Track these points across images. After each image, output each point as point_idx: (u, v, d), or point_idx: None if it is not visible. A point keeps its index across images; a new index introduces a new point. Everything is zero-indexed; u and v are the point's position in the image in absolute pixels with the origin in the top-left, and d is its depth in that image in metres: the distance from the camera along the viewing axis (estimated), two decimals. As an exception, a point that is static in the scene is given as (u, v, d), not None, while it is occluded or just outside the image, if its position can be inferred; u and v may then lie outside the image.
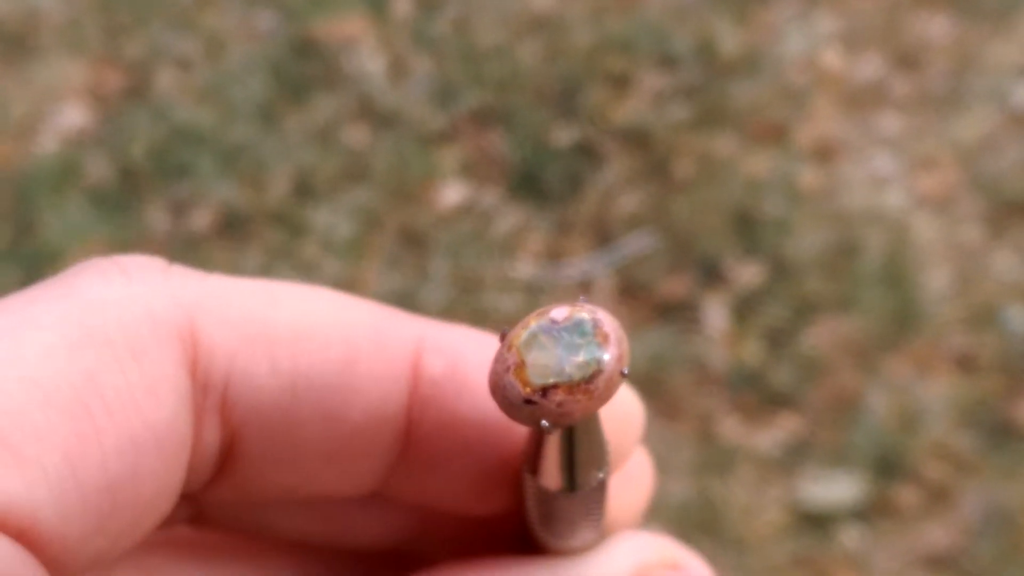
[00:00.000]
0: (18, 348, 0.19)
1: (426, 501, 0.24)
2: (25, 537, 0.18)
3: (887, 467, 1.08)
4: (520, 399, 0.19)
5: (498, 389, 0.19)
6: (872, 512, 1.06)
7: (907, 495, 1.06)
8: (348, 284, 1.18)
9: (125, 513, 0.20)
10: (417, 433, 0.22)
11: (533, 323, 0.19)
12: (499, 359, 0.19)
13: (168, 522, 0.24)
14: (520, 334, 0.19)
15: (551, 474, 0.21)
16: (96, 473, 0.19)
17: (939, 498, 1.06)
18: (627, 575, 0.24)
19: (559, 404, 0.19)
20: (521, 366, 0.19)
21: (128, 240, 1.23)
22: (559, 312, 0.19)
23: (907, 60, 1.36)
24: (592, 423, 0.21)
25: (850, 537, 1.05)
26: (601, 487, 0.22)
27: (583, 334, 0.19)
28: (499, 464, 0.23)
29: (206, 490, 0.22)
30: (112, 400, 0.19)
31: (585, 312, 0.19)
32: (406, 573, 0.25)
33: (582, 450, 0.21)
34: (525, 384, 0.19)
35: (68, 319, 0.20)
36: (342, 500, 0.24)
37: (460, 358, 0.22)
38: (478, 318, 1.17)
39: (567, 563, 0.23)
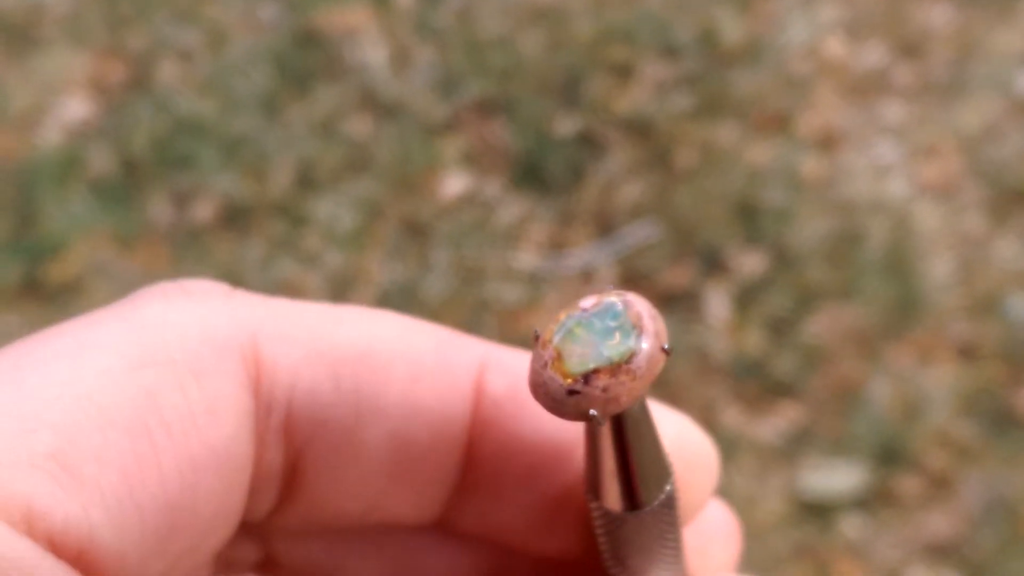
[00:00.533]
0: (78, 369, 0.19)
1: (491, 532, 0.23)
2: (83, 560, 0.18)
3: (889, 456, 1.08)
4: (563, 392, 0.18)
5: (539, 387, 0.19)
6: (874, 501, 1.06)
7: (909, 484, 1.06)
8: (350, 275, 1.19)
9: (184, 535, 0.20)
10: (479, 454, 0.22)
11: (563, 316, 0.19)
12: (536, 358, 0.19)
13: (237, 568, 0.24)
14: (552, 329, 0.19)
15: (612, 492, 0.21)
16: (154, 494, 0.19)
17: (941, 487, 1.06)
18: None
19: (604, 389, 0.18)
20: (558, 359, 0.19)
21: (130, 232, 1.23)
22: (587, 301, 0.19)
23: (910, 48, 1.35)
24: (644, 428, 0.20)
25: (851, 526, 1.05)
26: (668, 505, 0.21)
27: (615, 316, 0.19)
28: (563, 494, 0.23)
29: (272, 518, 0.22)
30: (172, 420, 0.19)
31: (613, 296, 0.19)
32: None
33: (639, 460, 0.20)
34: (566, 376, 0.18)
35: (128, 340, 0.20)
36: (408, 533, 0.24)
37: (521, 379, 0.22)
38: (480, 309, 1.17)
39: None
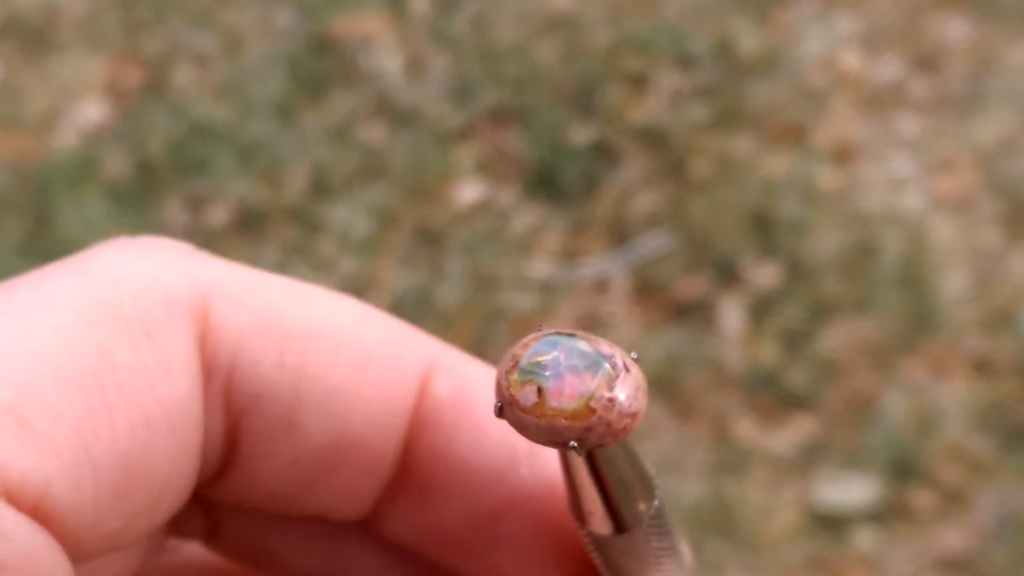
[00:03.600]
0: (32, 324, 0.19)
1: (420, 542, 0.23)
2: (38, 512, 0.18)
3: (902, 469, 1.07)
4: (563, 436, 0.18)
5: (526, 428, 0.18)
6: (887, 514, 1.06)
7: (922, 498, 1.06)
8: (364, 281, 1.19)
9: (139, 493, 0.20)
10: (414, 455, 0.22)
11: (512, 367, 0.18)
12: (515, 397, 0.18)
13: (185, 533, 0.24)
14: (514, 379, 0.18)
15: (597, 517, 0.20)
16: (108, 450, 0.19)
17: (954, 501, 1.06)
18: None
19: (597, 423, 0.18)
20: (542, 395, 0.18)
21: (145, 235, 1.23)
22: (522, 344, 0.18)
23: (926, 61, 1.35)
24: (622, 450, 0.20)
25: (865, 539, 1.04)
26: (657, 518, 0.21)
27: (554, 343, 0.18)
28: (497, 512, 0.22)
29: (213, 488, 0.22)
30: (125, 377, 0.19)
31: (546, 333, 0.18)
32: None
33: (621, 484, 0.20)
34: (551, 414, 0.18)
35: (82, 295, 0.19)
36: (338, 531, 0.24)
37: (468, 386, 0.22)
38: (493, 317, 1.17)
39: None
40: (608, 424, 0.18)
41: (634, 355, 0.18)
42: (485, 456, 0.22)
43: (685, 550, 0.22)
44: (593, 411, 0.18)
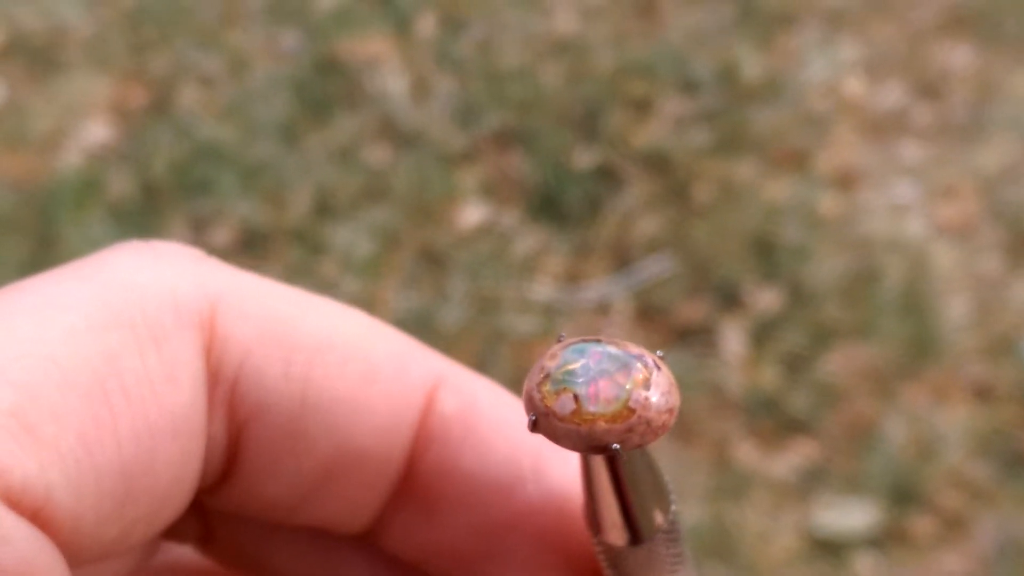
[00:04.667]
0: (40, 327, 0.19)
1: (420, 557, 0.23)
2: (39, 517, 0.18)
3: (903, 495, 1.07)
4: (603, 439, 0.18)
5: (563, 436, 0.18)
6: (887, 540, 1.05)
7: (922, 524, 1.06)
8: (366, 303, 1.19)
9: (141, 500, 0.20)
10: (418, 470, 0.22)
11: (545, 378, 0.18)
12: (550, 407, 0.18)
13: (179, 537, 0.23)
14: (547, 390, 0.18)
15: (613, 527, 0.20)
16: (111, 457, 0.19)
17: (954, 527, 1.06)
18: None
19: (628, 428, 0.18)
20: (579, 403, 0.18)
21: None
22: (551, 354, 0.18)
23: (929, 89, 1.36)
24: (641, 461, 0.20)
25: (864, 565, 1.04)
26: (672, 530, 0.21)
27: (583, 350, 0.18)
28: (501, 528, 0.22)
29: (212, 495, 0.22)
30: (130, 385, 0.19)
31: (572, 342, 0.18)
32: None
33: (639, 495, 0.20)
34: (587, 418, 0.18)
35: (92, 300, 0.19)
36: (337, 542, 0.24)
37: (475, 402, 0.22)
38: (495, 339, 1.17)
39: None
40: (648, 422, 0.18)
41: (660, 353, 0.18)
42: (490, 472, 0.22)
43: (693, 560, 0.22)
44: (632, 411, 0.18)
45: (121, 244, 0.21)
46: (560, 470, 0.22)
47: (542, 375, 0.18)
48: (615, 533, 0.20)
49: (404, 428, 0.22)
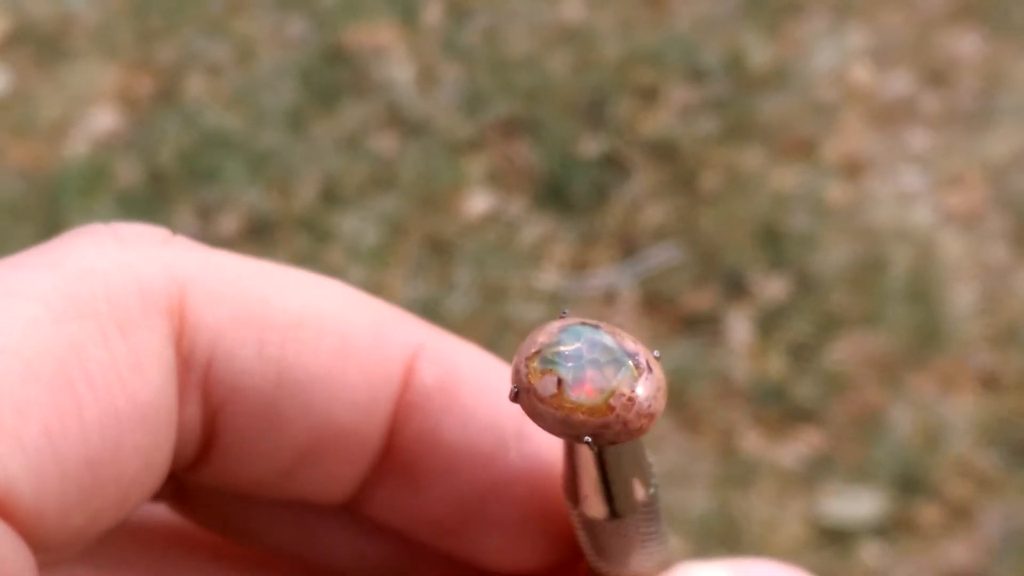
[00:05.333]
0: (3, 319, 0.18)
1: (404, 524, 0.23)
2: (1, 509, 0.18)
3: (909, 484, 1.07)
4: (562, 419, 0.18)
5: (542, 418, 0.18)
6: (893, 529, 1.05)
7: (929, 512, 1.06)
8: (373, 291, 1.18)
9: (107, 490, 0.19)
10: (400, 442, 0.22)
11: (542, 338, 0.18)
12: (532, 385, 0.18)
13: (153, 497, 0.23)
14: (538, 353, 0.18)
15: (593, 501, 0.20)
16: (76, 448, 0.18)
17: (961, 516, 1.06)
18: None
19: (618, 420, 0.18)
20: (560, 389, 0.18)
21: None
22: (544, 332, 0.18)
23: (937, 76, 1.35)
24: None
25: (871, 554, 1.04)
26: (651, 505, 0.21)
27: (576, 336, 0.18)
28: (485, 494, 0.22)
29: (188, 473, 0.22)
30: (96, 374, 0.19)
31: (568, 323, 0.18)
32: None
33: (621, 471, 0.20)
34: (570, 407, 0.18)
35: (55, 289, 0.19)
36: (319, 508, 0.23)
37: (455, 371, 0.22)
38: (502, 327, 1.18)
39: None
40: (625, 423, 0.18)
41: (657, 353, 0.18)
42: (473, 441, 0.21)
43: (669, 534, 0.22)
44: (612, 408, 0.18)
45: (82, 228, 0.21)
46: (543, 436, 0.21)
47: (533, 350, 0.18)
48: (593, 507, 0.20)
49: (382, 402, 0.21)
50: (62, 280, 0.19)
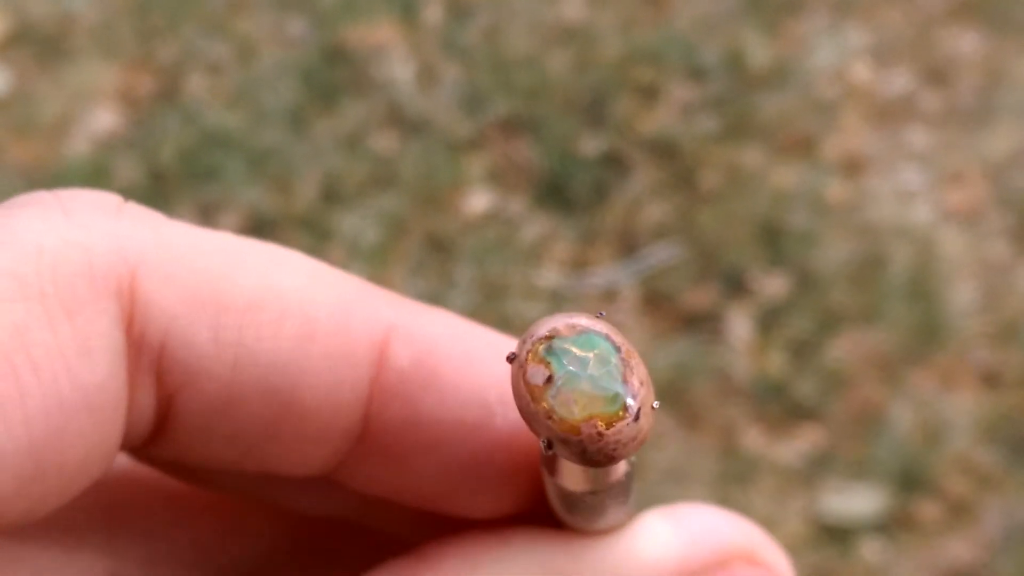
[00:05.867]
0: None
1: (386, 495, 0.22)
2: None
3: (910, 481, 1.07)
4: (580, 448, 0.17)
5: (565, 450, 0.17)
6: (894, 526, 1.06)
7: (929, 509, 1.06)
8: (374, 289, 1.19)
9: (50, 477, 0.19)
10: (377, 424, 0.21)
11: (539, 345, 0.17)
12: (532, 396, 0.17)
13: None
14: (534, 356, 0.17)
15: (569, 474, 0.20)
16: (18, 436, 0.18)
17: (961, 513, 1.06)
18: (704, 563, 0.22)
19: (615, 442, 0.17)
20: (575, 429, 0.17)
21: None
22: (545, 327, 0.18)
23: (937, 74, 1.35)
24: None
25: (871, 550, 1.05)
26: (629, 479, 0.20)
27: (589, 343, 0.17)
28: (471, 463, 0.21)
29: (140, 450, 0.21)
30: (40, 359, 0.18)
31: (562, 328, 0.18)
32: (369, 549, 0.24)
33: None
34: (569, 426, 0.17)
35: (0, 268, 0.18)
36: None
37: (431, 350, 0.21)
38: (502, 325, 1.17)
39: (592, 547, 0.22)
40: (583, 450, 0.17)
41: (656, 404, 0.18)
42: (457, 414, 0.21)
43: (633, 503, 0.22)
44: (579, 431, 0.17)
45: (28, 196, 0.20)
46: None
47: (546, 335, 0.18)
48: (570, 481, 0.20)
49: (352, 386, 0.20)
50: (6, 259, 0.18)
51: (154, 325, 0.19)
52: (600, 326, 0.18)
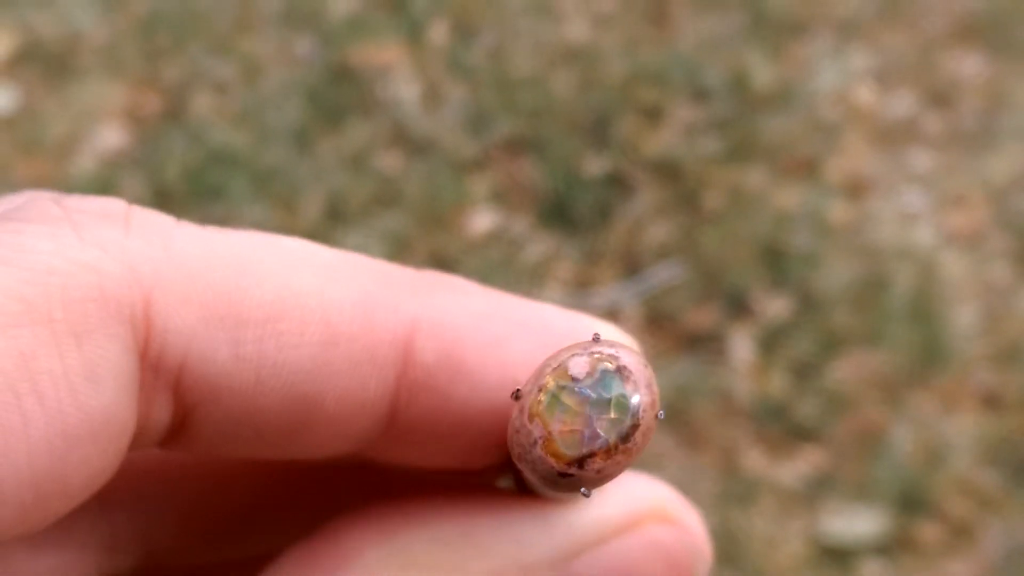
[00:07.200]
0: None
1: (409, 464, 0.22)
2: None
3: (910, 502, 1.07)
4: (555, 474, 0.17)
5: (527, 464, 0.17)
6: (894, 547, 1.05)
7: (930, 531, 1.06)
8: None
9: (50, 504, 0.18)
10: (405, 414, 0.21)
11: (552, 383, 0.17)
12: (522, 431, 0.17)
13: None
14: (540, 400, 0.17)
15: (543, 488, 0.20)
16: (20, 468, 0.17)
17: (962, 535, 1.06)
18: (617, 525, 0.22)
19: (599, 471, 0.17)
20: (549, 438, 0.17)
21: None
22: (578, 366, 0.17)
23: (939, 97, 1.36)
24: None
25: (872, 572, 1.04)
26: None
27: (608, 387, 0.17)
28: (491, 440, 0.21)
29: (152, 446, 0.21)
30: (46, 387, 0.17)
31: (607, 361, 0.17)
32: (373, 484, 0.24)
33: None
34: (558, 457, 0.17)
35: (8, 291, 0.17)
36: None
37: (456, 342, 0.21)
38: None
39: (553, 514, 0.22)
40: (555, 478, 0.17)
41: (662, 414, 0.18)
42: (484, 399, 0.21)
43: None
44: (568, 465, 0.17)
45: (31, 203, 0.19)
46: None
47: (563, 383, 0.17)
48: (539, 488, 0.20)
49: (377, 385, 0.20)
50: (15, 282, 0.18)
51: (172, 347, 0.19)
52: (644, 369, 0.18)
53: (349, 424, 0.20)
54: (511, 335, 0.21)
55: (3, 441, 0.17)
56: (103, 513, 0.23)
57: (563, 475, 0.17)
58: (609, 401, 0.17)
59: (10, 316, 0.17)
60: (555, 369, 0.17)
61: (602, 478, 0.17)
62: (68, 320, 0.18)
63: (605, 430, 0.17)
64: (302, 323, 0.20)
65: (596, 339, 0.18)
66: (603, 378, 0.17)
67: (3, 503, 0.17)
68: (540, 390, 0.17)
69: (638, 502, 0.22)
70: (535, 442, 0.17)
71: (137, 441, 0.20)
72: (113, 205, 0.19)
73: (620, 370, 0.17)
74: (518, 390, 0.18)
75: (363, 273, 0.21)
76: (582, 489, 0.17)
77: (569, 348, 0.18)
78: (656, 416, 0.18)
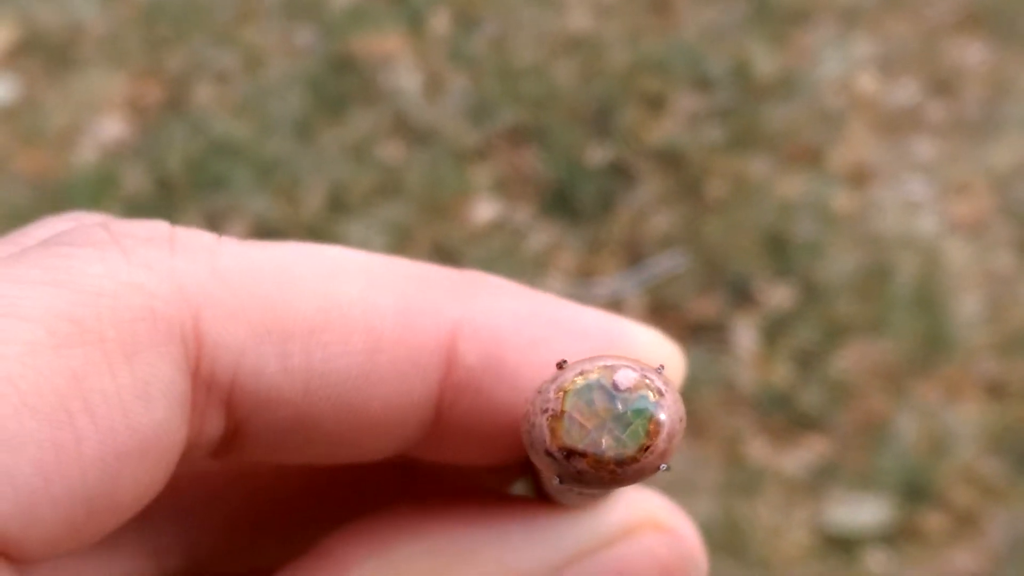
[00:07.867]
0: (1, 343, 0.17)
1: (447, 464, 0.23)
2: None
3: (914, 491, 1.07)
4: (542, 448, 0.17)
5: (526, 424, 0.18)
6: (899, 536, 1.05)
7: (934, 520, 1.06)
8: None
9: (101, 519, 0.19)
10: (448, 416, 0.21)
11: (594, 375, 0.17)
12: (543, 394, 0.18)
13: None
14: (575, 381, 0.17)
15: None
16: (73, 485, 0.18)
17: (966, 523, 1.06)
18: (611, 534, 0.22)
19: (578, 472, 0.17)
20: (559, 416, 0.17)
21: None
22: (626, 379, 0.17)
23: (942, 85, 1.35)
24: None
25: (876, 561, 1.04)
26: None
27: (638, 413, 0.17)
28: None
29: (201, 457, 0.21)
30: (97, 406, 0.18)
31: (651, 393, 0.17)
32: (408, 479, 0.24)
33: None
34: (554, 436, 0.17)
35: (58, 311, 0.18)
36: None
37: (498, 344, 0.21)
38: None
39: (548, 523, 0.22)
40: (540, 453, 0.18)
41: (665, 467, 0.18)
42: (525, 398, 0.21)
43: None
44: (558, 449, 0.17)
45: (78, 227, 0.20)
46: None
47: (609, 378, 0.17)
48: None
49: (421, 389, 0.21)
50: (66, 302, 0.18)
51: (223, 363, 0.19)
52: (672, 394, 0.18)
53: (395, 427, 0.21)
54: (552, 336, 0.21)
55: (56, 459, 0.17)
56: (149, 521, 0.23)
57: (547, 453, 0.17)
58: (629, 426, 0.17)
59: (62, 337, 0.18)
60: (607, 367, 0.18)
61: (579, 480, 0.17)
62: (119, 340, 0.18)
63: (609, 445, 0.17)
64: (346, 332, 0.20)
65: (660, 369, 0.18)
66: (638, 403, 0.17)
67: (56, 520, 0.18)
68: (582, 373, 0.17)
69: (632, 511, 0.23)
70: (547, 410, 0.17)
71: (189, 454, 0.20)
72: (158, 227, 0.20)
73: (657, 408, 0.17)
74: (565, 360, 0.18)
75: (404, 278, 0.21)
76: (556, 479, 0.18)
77: (633, 359, 0.18)
78: (659, 467, 0.18)
